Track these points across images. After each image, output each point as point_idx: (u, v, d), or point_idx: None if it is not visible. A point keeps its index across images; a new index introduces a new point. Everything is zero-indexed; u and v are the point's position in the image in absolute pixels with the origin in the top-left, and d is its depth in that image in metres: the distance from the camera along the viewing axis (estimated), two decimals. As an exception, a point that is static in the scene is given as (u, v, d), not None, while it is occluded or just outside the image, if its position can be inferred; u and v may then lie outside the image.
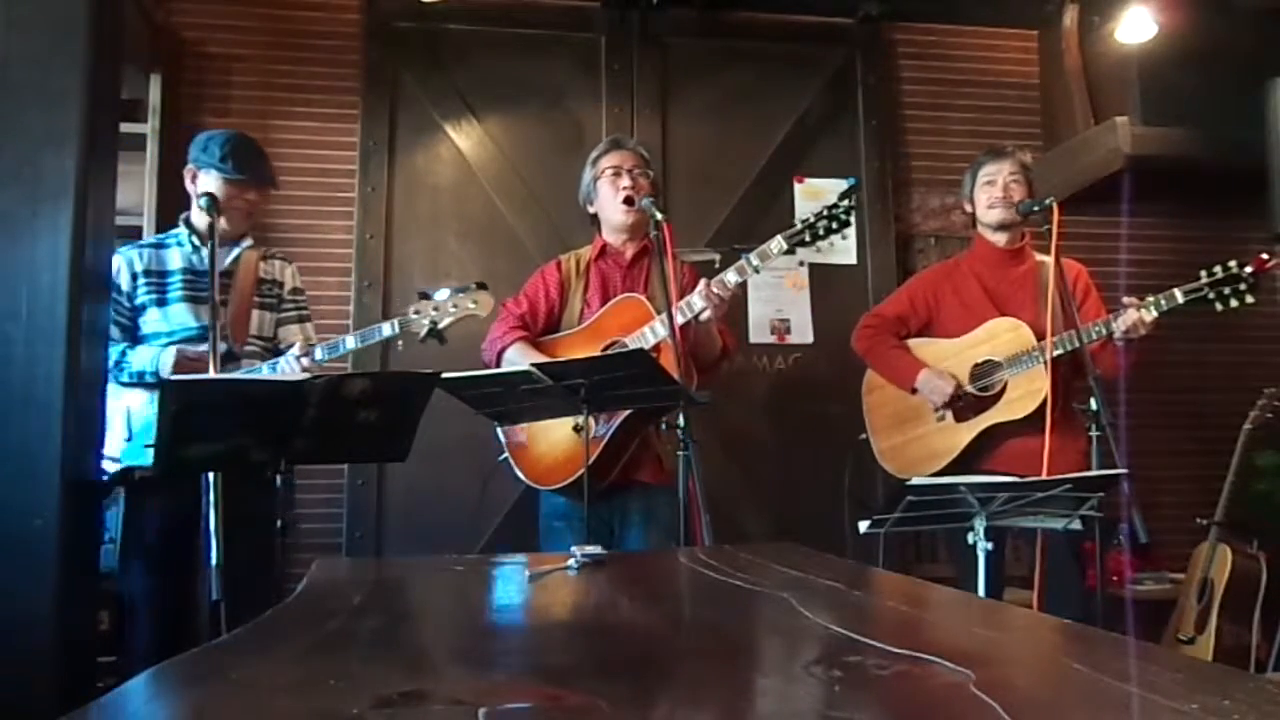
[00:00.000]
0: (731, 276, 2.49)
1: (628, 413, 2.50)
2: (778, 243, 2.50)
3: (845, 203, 2.49)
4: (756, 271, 2.52)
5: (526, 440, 2.66)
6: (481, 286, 2.42)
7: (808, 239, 2.50)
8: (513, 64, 3.82)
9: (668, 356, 2.42)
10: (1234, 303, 2.50)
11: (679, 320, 2.48)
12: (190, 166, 2.58)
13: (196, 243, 2.58)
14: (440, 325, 2.40)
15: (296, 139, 3.68)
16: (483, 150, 3.77)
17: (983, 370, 2.73)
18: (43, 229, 1.93)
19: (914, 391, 2.78)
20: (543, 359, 2.54)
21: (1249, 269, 2.48)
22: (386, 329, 2.43)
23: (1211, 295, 2.51)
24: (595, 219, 2.81)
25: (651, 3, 3.81)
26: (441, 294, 2.43)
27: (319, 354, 2.45)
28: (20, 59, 1.96)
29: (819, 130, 3.96)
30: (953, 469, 2.67)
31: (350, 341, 2.46)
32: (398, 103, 3.73)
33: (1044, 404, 2.57)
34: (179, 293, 2.54)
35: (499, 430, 2.69)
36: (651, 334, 2.52)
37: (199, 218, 2.58)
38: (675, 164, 3.85)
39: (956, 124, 4.06)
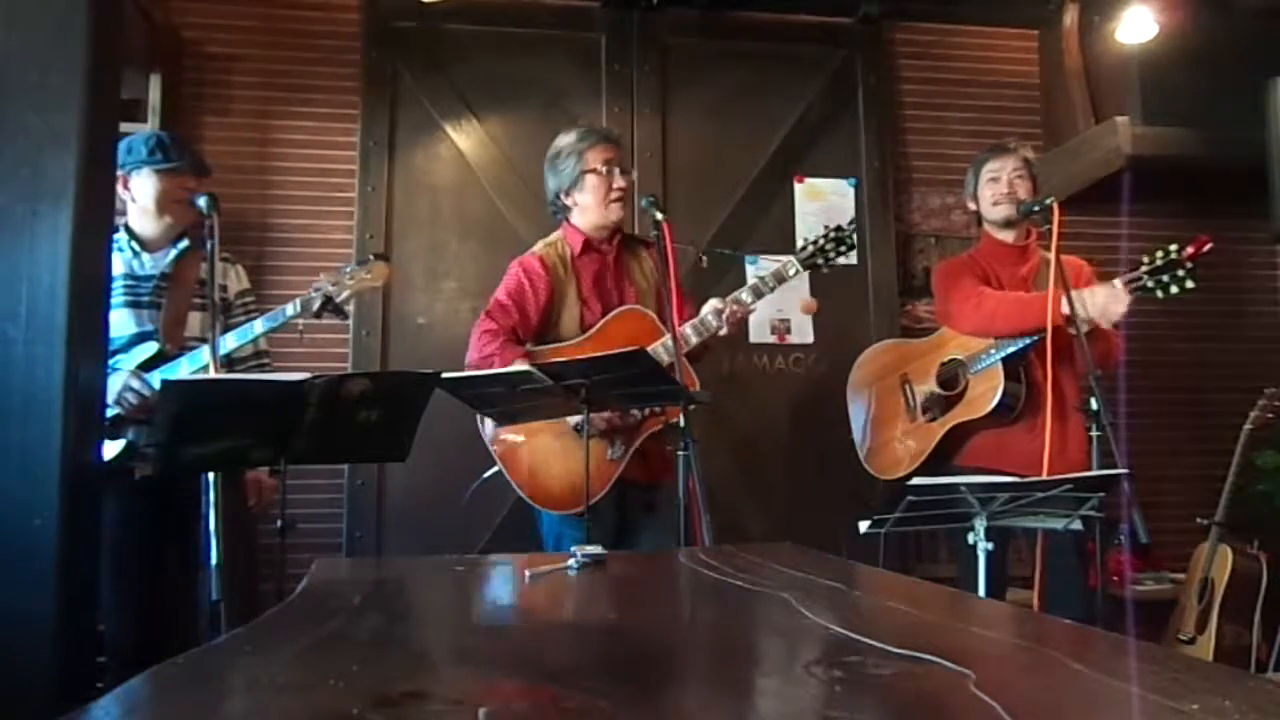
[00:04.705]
0: (747, 296, 2.56)
1: (643, 437, 2.52)
2: (794, 266, 2.59)
3: (850, 225, 2.64)
4: (772, 290, 2.58)
5: (524, 443, 2.55)
6: (381, 258, 2.45)
7: (820, 262, 2.62)
8: (513, 64, 3.82)
9: (689, 375, 2.43)
10: (1174, 289, 2.37)
11: (695, 340, 2.54)
12: (120, 174, 2.47)
13: (136, 248, 2.55)
14: (338, 299, 2.40)
15: (296, 139, 3.68)
16: (483, 150, 3.76)
17: (948, 369, 2.77)
18: (43, 229, 1.92)
19: (1067, 319, 2.44)
20: None
21: (1187, 253, 2.36)
22: (290, 309, 2.44)
23: (1151, 284, 2.40)
24: (566, 208, 2.72)
25: (652, 3, 3.81)
26: (343, 269, 2.45)
27: (231, 341, 2.45)
28: (20, 59, 1.96)
29: (819, 130, 3.96)
30: (926, 468, 2.69)
31: (259, 325, 2.47)
32: (398, 102, 3.73)
33: (1005, 402, 2.60)
34: (119, 299, 2.47)
35: (483, 430, 2.56)
36: (665, 352, 2.47)
37: (137, 222, 2.56)
38: (675, 164, 3.85)
39: (956, 124, 4.06)
